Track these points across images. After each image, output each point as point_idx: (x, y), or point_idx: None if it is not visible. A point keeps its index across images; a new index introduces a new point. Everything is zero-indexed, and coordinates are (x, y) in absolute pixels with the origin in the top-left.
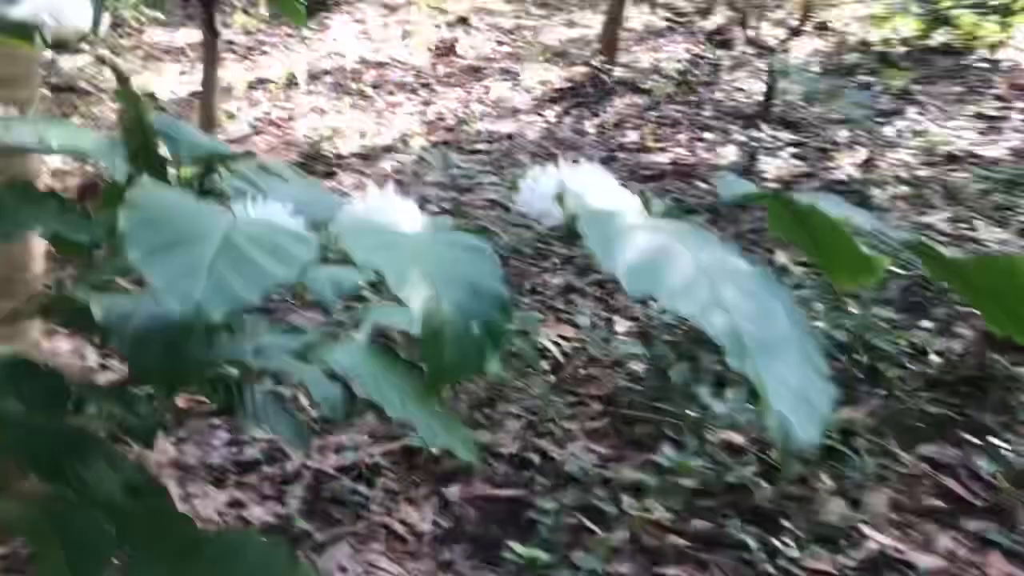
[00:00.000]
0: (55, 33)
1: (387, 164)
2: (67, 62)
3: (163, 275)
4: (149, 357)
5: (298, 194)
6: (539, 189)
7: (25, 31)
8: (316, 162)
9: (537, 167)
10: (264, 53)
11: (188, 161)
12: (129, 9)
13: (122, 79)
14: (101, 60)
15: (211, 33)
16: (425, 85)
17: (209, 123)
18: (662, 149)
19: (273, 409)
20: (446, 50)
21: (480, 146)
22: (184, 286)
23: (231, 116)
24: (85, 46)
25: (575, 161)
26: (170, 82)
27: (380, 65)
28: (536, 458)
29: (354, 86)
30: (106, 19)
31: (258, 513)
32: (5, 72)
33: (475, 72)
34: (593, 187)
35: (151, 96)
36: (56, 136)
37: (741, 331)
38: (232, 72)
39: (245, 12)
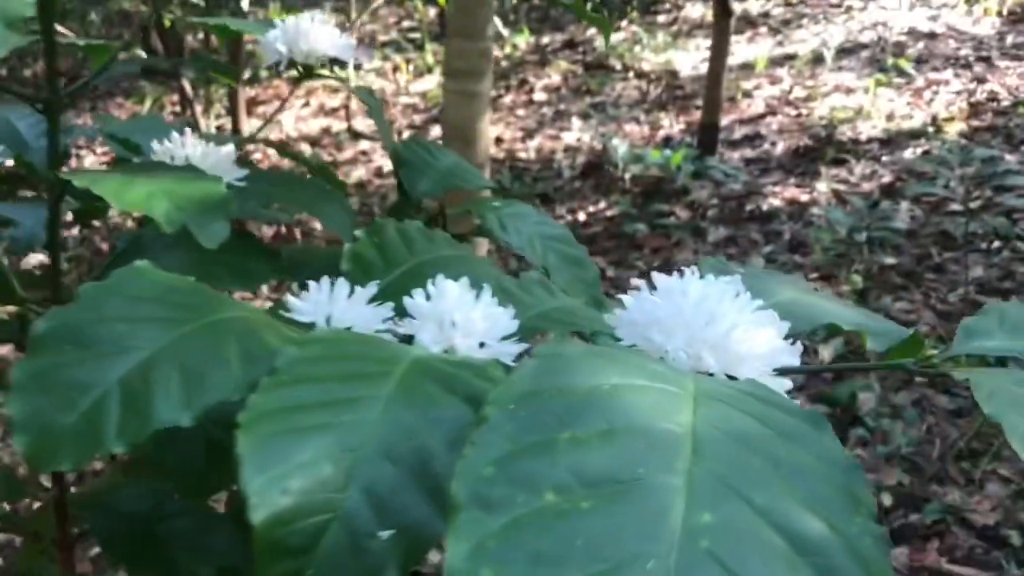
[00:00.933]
0: (294, 59)
1: (908, 153)
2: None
3: (30, 402)
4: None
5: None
6: (641, 309)
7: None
8: (828, 147)
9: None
10: (800, 26)
11: (423, 198)
12: None
13: (373, 104)
14: (635, 40)
15: (723, 9)
16: (984, 59)
17: (713, 103)
18: None
19: None
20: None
21: None
22: (48, 420)
23: (747, 95)
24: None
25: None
26: (694, 58)
27: (930, 36)
28: (1017, 537)
29: (891, 61)
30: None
31: None
32: (459, 66)
33: None
34: (716, 330)
35: (671, 74)
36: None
37: None
38: (758, 47)
39: None
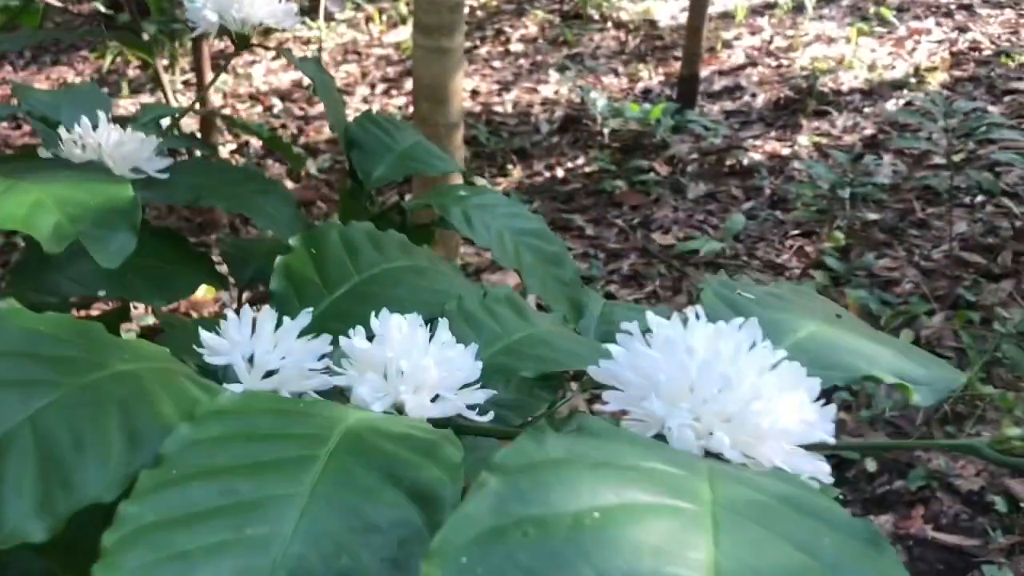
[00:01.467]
0: (227, 28)
1: (891, 104)
2: None
3: None
4: None
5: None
6: (635, 367)
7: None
8: (810, 99)
9: (651, 312)
10: None
11: (376, 183)
12: None
13: (322, 81)
14: None
15: None
16: (965, 7)
17: (692, 54)
18: None
19: None
20: None
21: (1019, 85)
22: None
23: (727, 45)
24: None
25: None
26: (673, 7)
27: None
28: (1002, 503)
29: (872, 9)
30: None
31: None
32: (429, 21)
33: None
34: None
35: (650, 23)
36: None
37: None
38: None
39: None
